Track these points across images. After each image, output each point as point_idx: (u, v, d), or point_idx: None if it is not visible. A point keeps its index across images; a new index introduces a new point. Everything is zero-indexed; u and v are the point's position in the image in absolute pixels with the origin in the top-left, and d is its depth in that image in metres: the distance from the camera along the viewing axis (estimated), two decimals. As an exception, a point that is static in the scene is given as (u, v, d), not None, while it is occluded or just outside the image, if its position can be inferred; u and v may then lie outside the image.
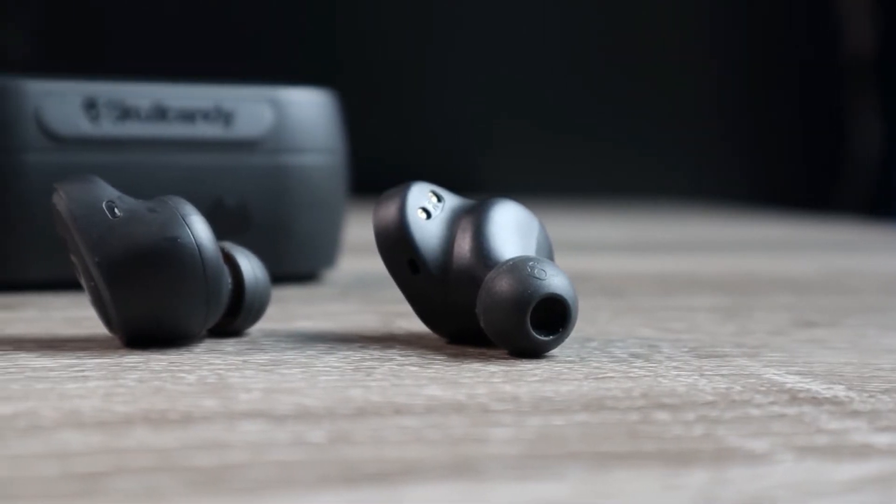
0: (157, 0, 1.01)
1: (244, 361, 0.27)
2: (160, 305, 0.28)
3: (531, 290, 0.27)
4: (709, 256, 0.60)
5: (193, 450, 0.19)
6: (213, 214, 0.40)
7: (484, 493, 0.18)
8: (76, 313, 0.34)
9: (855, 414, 0.23)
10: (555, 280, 0.27)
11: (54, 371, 0.26)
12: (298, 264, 0.42)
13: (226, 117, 0.41)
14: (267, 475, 0.18)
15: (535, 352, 0.28)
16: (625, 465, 0.19)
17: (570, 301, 0.27)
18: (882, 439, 0.21)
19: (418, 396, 0.24)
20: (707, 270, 0.52)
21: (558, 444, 0.20)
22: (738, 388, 0.25)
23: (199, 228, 0.28)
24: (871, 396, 0.25)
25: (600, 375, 0.26)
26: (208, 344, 0.29)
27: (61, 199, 0.28)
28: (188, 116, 0.40)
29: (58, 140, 0.39)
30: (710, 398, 0.24)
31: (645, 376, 0.26)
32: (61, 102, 0.39)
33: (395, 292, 0.30)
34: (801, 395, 0.25)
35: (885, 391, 0.25)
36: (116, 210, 0.28)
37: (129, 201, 0.28)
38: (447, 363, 0.27)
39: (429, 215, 0.30)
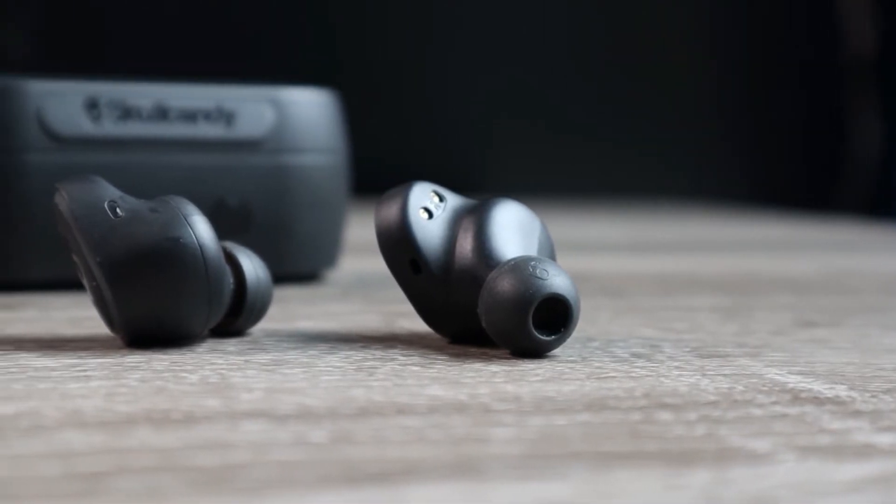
0: (157, 0, 1.01)
1: (246, 361, 0.27)
2: (162, 305, 0.28)
3: (533, 290, 0.27)
4: (709, 256, 0.60)
5: (195, 450, 0.19)
6: (214, 214, 0.40)
7: (486, 492, 0.18)
8: (78, 313, 0.34)
9: (857, 414, 0.23)
10: (557, 280, 0.27)
11: (56, 371, 0.26)
12: (300, 264, 0.42)
13: (227, 117, 0.41)
14: (269, 475, 0.18)
15: (536, 352, 0.28)
16: (627, 465, 0.19)
17: (571, 301, 0.27)
18: (884, 439, 0.21)
19: (420, 396, 0.24)
20: (708, 270, 0.52)
21: (560, 444, 0.20)
22: (741, 387, 0.25)
23: (202, 228, 0.28)
24: (872, 396, 0.25)
25: (602, 375, 0.26)
26: (210, 344, 0.29)
27: (63, 199, 0.28)
28: (190, 116, 0.40)
29: (59, 140, 0.39)
30: (712, 398, 0.24)
31: (647, 376, 0.26)
32: (63, 102, 0.39)
33: (397, 292, 0.30)
34: (803, 394, 0.25)
35: (887, 391, 0.25)
36: (118, 210, 0.28)
37: (131, 201, 0.28)
38: (449, 363, 0.27)
39: (430, 215, 0.30)
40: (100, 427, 0.21)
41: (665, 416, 0.23)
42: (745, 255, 0.60)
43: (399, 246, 0.29)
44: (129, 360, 0.27)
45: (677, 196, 1.09)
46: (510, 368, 0.27)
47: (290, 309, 0.36)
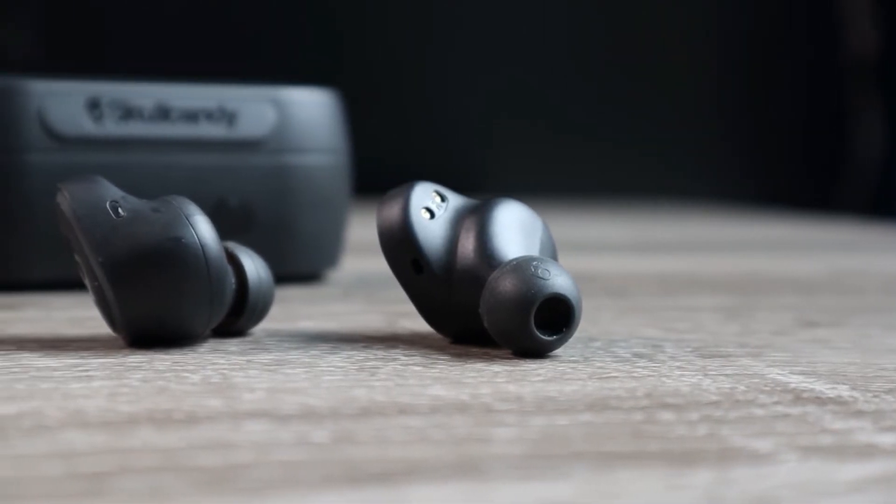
0: (158, 0, 1.01)
1: (248, 361, 0.27)
2: (164, 305, 0.28)
3: (535, 290, 0.27)
4: (711, 256, 0.60)
5: (198, 450, 0.19)
6: (216, 214, 0.40)
7: (488, 492, 0.18)
8: (80, 313, 0.34)
9: (859, 414, 0.23)
10: (558, 280, 0.27)
11: (58, 371, 0.26)
12: (301, 264, 0.42)
13: (229, 117, 0.41)
14: (271, 475, 0.18)
15: (538, 352, 0.28)
16: (629, 465, 0.19)
17: (573, 301, 0.27)
18: (886, 439, 0.21)
19: (422, 396, 0.24)
20: (709, 270, 0.52)
21: (562, 444, 0.20)
22: (742, 387, 0.25)
23: (203, 228, 0.28)
24: (875, 396, 0.25)
25: (604, 375, 0.26)
26: (212, 344, 0.29)
27: (65, 199, 0.28)
28: (191, 116, 0.40)
29: (61, 140, 0.39)
30: (714, 398, 0.24)
31: (649, 376, 0.26)
32: (64, 102, 0.39)
33: (399, 292, 0.30)
34: (805, 394, 0.25)
35: (889, 391, 0.25)
36: (120, 210, 0.28)
37: (133, 201, 0.28)
38: (451, 363, 0.27)
39: (432, 215, 0.30)
40: (102, 427, 0.21)
41: (667, 416, 0.23)
42: (747, 255, 0.60)
43: (401, 246, 0.29)
44: (131, 360, 0.27)
45: (678, 196, 1.09)
46: (512, 368, 0.27)
47: (291, 309, 0.36)
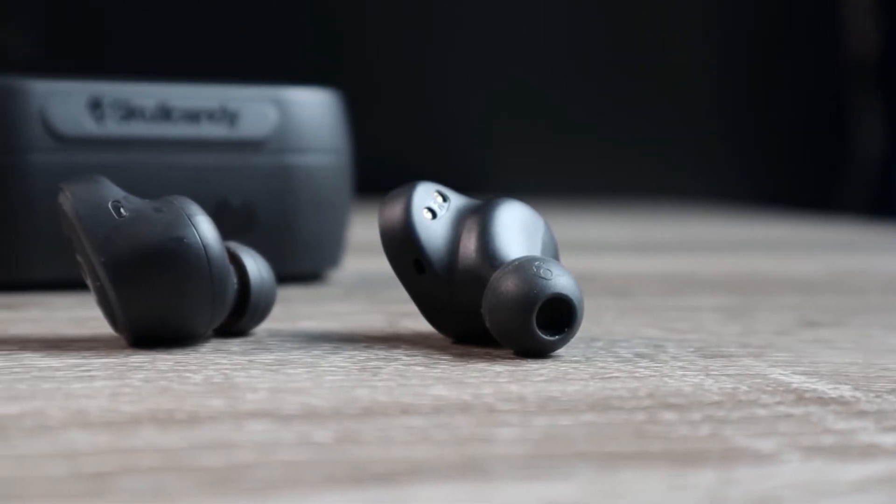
0: (159, 0, 1.01)
1: (250, 361, 0.27)
2: (166, 305, 0.28)
3: (537, 290, 0.27)
4: (711, 256, 0.60)
5: (200, 450, 0.19)
6: (217, 214, 0.40)
7: (490, 493, 0.18)
8: (81, 313, 0.34)
9: (861, 414, 0.23)
10: (560, 280, 0.27)
11: (60, 371, 0.26)
12: (303, 264, 0.42)
13: (230, 117, 0.41)
14: (274, 475, 0.18)
15: (540, 352, 0.28)
16: (632, 466, 0.19)
17: (575, 301, 0.27)
18: (888, 439, 0.21)
19: (424, 396, 0.24)
20: (710, 270, 0.52)
21: (565, 444, 0.20)
22: (745, 388, 0.25)
23: (205, 228, 0.28)
24: (877, 396, 0.25)
25: (606, 375, 0.26)
26: (214, 344, 0.29)
27: (67, 199, 0.28)
28: (193, 116, 0.40)
29: (62, 140, 0.39)
30: (716, 398, 0.24)
31: (651, 376, 0.26)
32: (66, 102, 0.39)
33: (401, 292, 0.30)
34: (808, 395, 0.25)
35: (892, 391, 0.25)
36: (122, 210, 0.28)
37: (135, 201, 0.28)
38: (453, 363, 0.27)
39: (434, 215, 0.30)
40: (104, 427, 0.21)
41: (669, 416, 0.22)
42: (747, 255, 0.60)
43: (403, 246, 0.29)
44: (133, 360, 0.27)
45: (678, 196, 1.09)
46: (514, 368, 0.27)
47: (293, 309, 0.36)
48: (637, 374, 0.26)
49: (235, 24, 1.04)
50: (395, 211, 0.29)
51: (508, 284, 0.27)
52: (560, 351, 0.29)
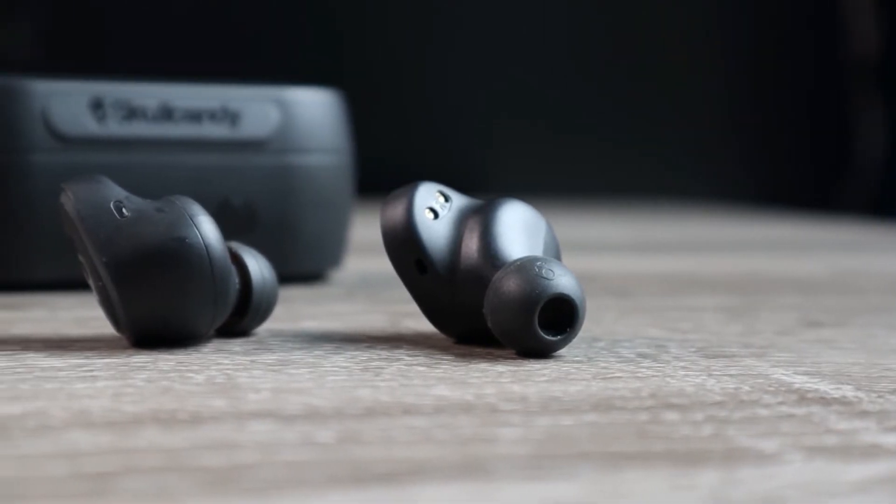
0: (159, 1, 1.01)
1: (252, 361, 0.27)
2: (168, 305, 0.28)
3: (539, 290, 0.27)
4: (713, 256, 0.60)
5: (203, 450, 0.19)
6: (219, 214, 0.40)
7: (493, 493, 0.18)
8: (84, 313, 0.34)
9: (864, 414, 0.23)
10: (562, 280, 0.27)
11: (63, 371, 0.26)
12: (304, 264, 0.42)
13: (232, 117, 0.41)
14: (276, 475, 0.18)
15: (542, 352, 0.28)
16: (635, 466, 0.19)
17: (577, 301, 0.27)
18: (891, 440, 0.21)
19: (427, 396, 0.24)
20: (712, 270, 0.52)
21: (567, 444, 0.20)
22: (747, 388, 0.25)
23: (207, 228, 0.28)
24: (879, 397, 0.25)
25: (608, 375, 0.26)
26: (216, 344, 0.29)
27: (69, 200, 0.28)
28: (194, 116, 0.40)
29: (64, 140, 0.39)
30: (718, 398, 0.24)
31: (653, 376, 0.26)
32: (68, 103, 0.39)
33: (402, 292, 0.30)
34: (810, 395, 0.25)
35: (894, 391, 0.25)
36: (124, 210, 0.28)
37: (137, 201, 0.28)
38: (455, 363, 0.27)
39: (436, 215, 0.30)
40: (107, 427, 0.21)
41: (672, 416, 0.22)
42: (750, 255, 0.60)
43: (405, 246, 0.29)
44: (135, 360, 0.27)
45: (680, 196, 1.09)
46: (516, 368, 0.27)
47: (295, 309, 0.36)
48: (639, 375, 0.26)
49: (235, 24, 1.04)
50: (397, 211, 0.29)
51: (510, 284, 0.27)
52: (562, 351, 0.29)
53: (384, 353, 0.28)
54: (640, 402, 0.24)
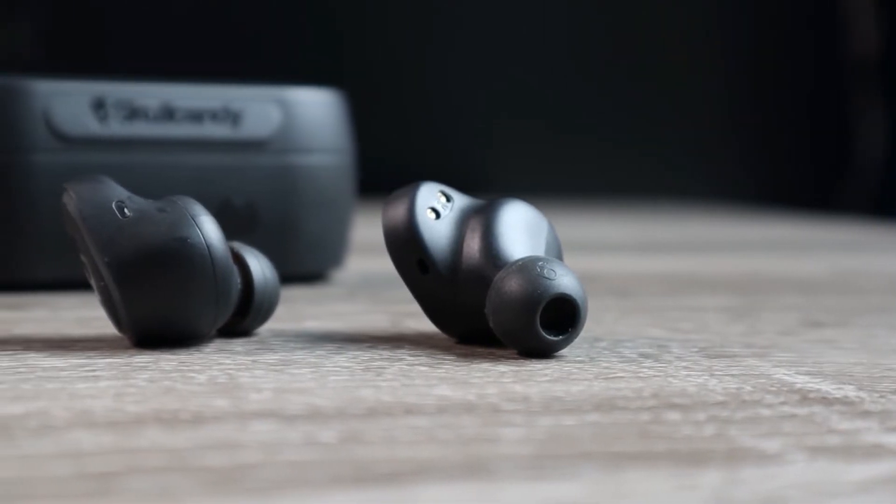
0: (160, 1, 1.01)
1: (254, 361, 0.27)
2: (170, 305, 0.28)
3: (541, 290, 0.27)
4: (714, 256, 0.60)
5: (205, 450, 0.19)
6: (220, 214, 0.39)
7: (496, 493, 0.18)
8: (85, 313, 0.34)
9: (866, 414, 0.23)
10: (564, 280, 0.27)
11: (65, 371, 0.26)
12: (306, 264, 0.42)
13: (234, 117, 0.41)
14: (279, 475, 0.18)
15: (544, 352, 0.28)
16: (637, 466, 0.19)
17: (579, 301, 0.27)
18: (893, 440, 0.21)
19: (429, 396, 0.24)
20: (713, 270, 0.52)
21: (570, 444, 0.20)
22: (749, 388, 0.25)
23: (209, 228, 0.28)
24: (881, 397, 0.25)
25: (610, 375, 0.26)
26: (218, 344, 0.29)
27: (71, 199, 0.28)
28: (196, 117, 0.40)
29: (66, 140, 0.39)
30: (720, 398, 0.24)
31: (655, 376, 0.26)
32: (69, 102, 0.39)
33: (404, 292, 0.30)
34: (812, 395, 0.25)
35: (896, 391, 0.25)
36: (126, 210, 0.28)
37: (139, 201, 0.28)
38: (457, 363, 0.27)
39: (438, 215, 0.30)
40: (109, 427, 0.21)
41: (674, 416, 0.22)
42: (750, 255, 0.60)
43: (406, 246, 0.29)
44: (137, 360, 0.27)
45: (679, 196, 1.09)
46: (518, 368, 0.27)
47: (296, 309, 0.36)
48: (641, 375, 0.26)
49: (236, 24, 1.04)
50: (398, 211, 0.29)
51: (512, 284, 0.27)
52: (564, 351, 0.29)
53: (386, 353, 0.28)
54: (643, 402, 0.24)
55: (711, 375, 0.26)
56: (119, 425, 0.21)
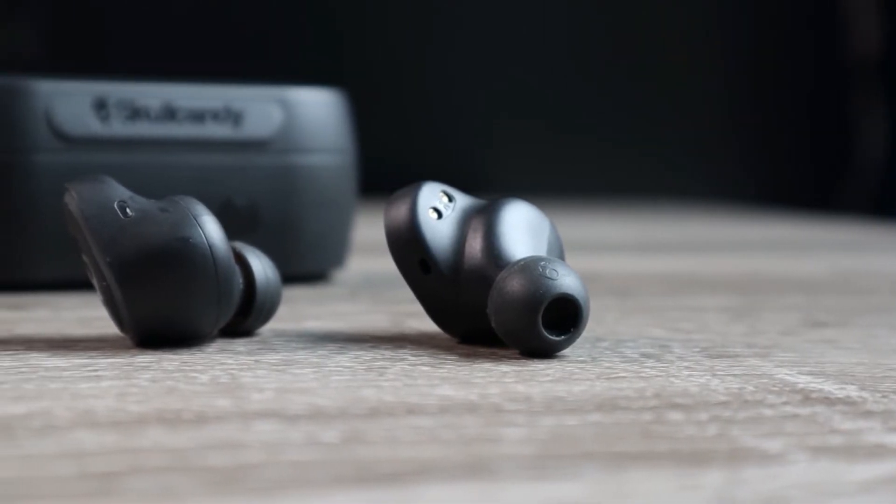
0: (161, 1, 1.01)
1: (256, 361, 0.27)
2: (172, 305, 0.28)
3: (543, 290, 0.27)
4: (715, 256, 0.60)
5: (208, 449, 0.20)
6: (222, 214, 0.40)
7: (498, 493, 0.18)
8: (88, 313, 0.34)
9: (868, 414, 0.23)
10: (566, 280, 0.27)
11: (67, 371, 0.26)
12: (307, 264, 0.42)
13: (235, 117, 0.41)
14: (281, 475, 0.18)
15: (546, 352, 0.28)
16: (639, 466, 0.19)
17: (581, 301, 0.27)
18: (895, 440, 0.21)
19: (431, 396, 0.24)
20: (714, 270, 0.52)
21: (572, 444, 0.20)
22: (751, 388, 0.25)
23: (211, 228, 0.28)
24: (883, 396, 0.25)
25: (612, 375, 0.26)
26: (220, 344, 0.29)
27: (73, 199, 0.28)
28: (198, 116, 0.40)
29: (68, 140, 0.39)
30: (722, 398, 0.24)
31: (657, 376, 0.26)
32: (71, 102, 0.39)
33: (406, 292, 0.30)
34: (814, 395, 0.25)
35: (897, 391, 0.25)
36: (128, 210, 0.28)
37: (141, 201, 0.28)
38: (459, 363, 0.27)
39: (440, 215, 0.30)
40: (112, 427, 0.21)
41: (676, 416, 0.23)
42: (752, 255, 0.60)
43: (408, 246, 0.29)
44: (139, 360, 0.27)
45: (679, 196, 1.09)
46: (520, 368, 0.27)
47: (298, 309, 0.36)
48: (643, 374, 0.26)
49: (237, 24, 1.04)
50: (400, 211, 0.29)
51: (514, 284, 0.27)
52: (566, 351, 0.29)
53: (388, 353, 0.28)
54: (645, 402, 0.24)
55: (713, 375, 0.26)
56: (121, 425, 0.21)
